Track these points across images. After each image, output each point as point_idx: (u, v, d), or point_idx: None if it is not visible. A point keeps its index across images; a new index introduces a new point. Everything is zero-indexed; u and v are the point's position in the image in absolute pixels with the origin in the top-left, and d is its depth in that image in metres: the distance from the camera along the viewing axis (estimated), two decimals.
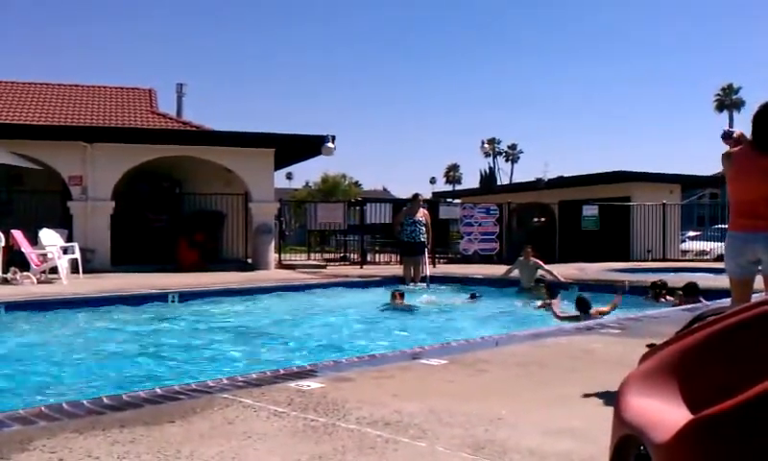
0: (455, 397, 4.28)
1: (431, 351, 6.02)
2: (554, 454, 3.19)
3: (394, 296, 11.66)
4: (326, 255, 25.96)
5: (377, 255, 24.11)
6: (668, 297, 11.56)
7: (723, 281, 11.73)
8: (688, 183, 29.46)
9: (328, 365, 5.45)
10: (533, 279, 13.48)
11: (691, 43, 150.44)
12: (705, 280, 12.24)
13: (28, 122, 20.43)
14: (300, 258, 23.35)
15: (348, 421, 3.68)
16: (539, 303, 11.57)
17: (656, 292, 11.83)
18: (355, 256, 22.99)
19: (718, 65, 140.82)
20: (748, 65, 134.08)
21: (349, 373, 5.00)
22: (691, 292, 10.55)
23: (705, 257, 24.82)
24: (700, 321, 2.31)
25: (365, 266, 20.29)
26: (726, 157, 4.95)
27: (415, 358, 5.69)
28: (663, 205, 24.69)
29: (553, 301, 11.26)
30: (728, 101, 78.42)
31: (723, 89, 78.87)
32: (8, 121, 20.15)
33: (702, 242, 28.01)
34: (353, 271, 18.27)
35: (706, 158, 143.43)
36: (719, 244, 25.93)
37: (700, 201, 38.05)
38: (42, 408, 3.93)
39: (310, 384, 4.52)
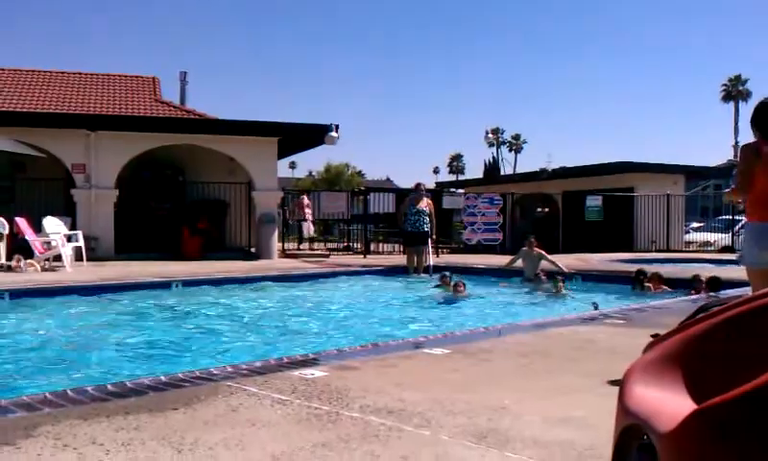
0: (458, 386, 4.29)
1: (434, 341, 6.03)
2: (556, 443, 3.20)
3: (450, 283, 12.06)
4: (330, 245, 25.98)
5: (381, 245, 24.11)
6: (654, 286, 11.71)
7: (728, 272, 11.76)
8: (692, 174, 29.40)
9: (332, 354, 5.46)
10: (536, 270, 13.48)
11: (698, 34, 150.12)
12: (709, 271, 12.24)
13: (31, 110, 20.43)
14: (303, 248, 23.36)
15: (351, 409, 3.69)
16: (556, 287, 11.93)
17: (639, 280, 11.92)
18: (359, 246, 22.99)
19: (725, 56, 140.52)
20: (756, 56, 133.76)
21: (353, 361, 5.01)
22: (714, 285, 10.54)
23: (709, 248, 24.80)
24: (704, 311, 2.31)
25: (368, 256, 20.29)
26: (752, 150, 4.82)
27: (418, 347, 5.69)
28: (667, 195, 24.64)
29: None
30: (734, 91, 78.13)
31: (730, 80, 78.57)
32: (11, 109, 20.16)
33: (706, 233, 27.98)
34: (357, 260, 18.28)
35: (711, 149, 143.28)
36: (723, 235, 25.94)
37: (704, 192, 38.00)
38: (47, 395, 3.94)
39: (314, 372, 4.54)
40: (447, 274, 12.72)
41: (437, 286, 12.50)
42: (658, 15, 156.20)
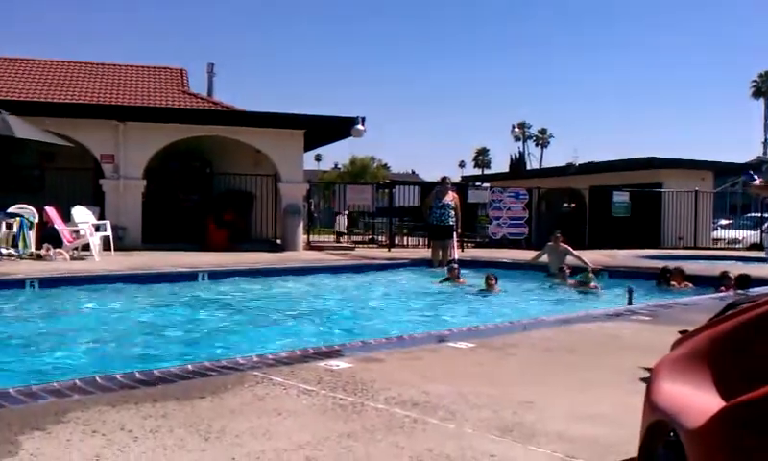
0: (483, 380, 4.29)
1: (459, 334, 6.02)
2: (582, 438, 3.19)
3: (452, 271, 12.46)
4: (355, 238, 26.03)
5: (405, 238, 24.12)
6: (677, 282, 11.63)
7: (757, 270, 11.63)
8: (721, 171, 29.06)
9: (356, 345, 5.49)
10: (561, 265, 13.42)
11: (728, 28, 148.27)
12: (737, 269, 12.12)
13: (61, 100, 20.63)
14: (328, 240, 23.42)
15: (376, 400, 3.70)
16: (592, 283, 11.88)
17: (666, 278, 11.84)
18: (383, 239, 23.01)
19: (756, 51, 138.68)
20: None
21: (378, 353, 5.03)
22: (743, 283, 10.45)
23: (737, 246, 24.52)
24: (733, 308, 2.29)
25: (393, 249, 20.31)
26: None
27: (442, 341, 5.70)
28: (695, 192, 24.40)
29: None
30: (765, 88, 77.17)
31: (760, 76, 77.59)
32: (41, 99, 20.38)
33: (734, 230, 27.67)
34: (381, 253, 18.31)
35: (739, 146, 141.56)
36: (751, 233, 25.65)
37: (733, 188, 37.55)
38: (76, 381, 3.99)
39: (339, 364, 4.56)
40: (456, 266, 12.62)
41: (445, 279, 12.41)
42: (687, 11, 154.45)
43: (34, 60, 24.53)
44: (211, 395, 3.72)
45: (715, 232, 27.31)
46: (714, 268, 12.90)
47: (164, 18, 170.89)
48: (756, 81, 78.24)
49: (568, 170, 29.09)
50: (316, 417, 3.40)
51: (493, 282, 11.35)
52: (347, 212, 25.10)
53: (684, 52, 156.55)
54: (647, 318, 6.99)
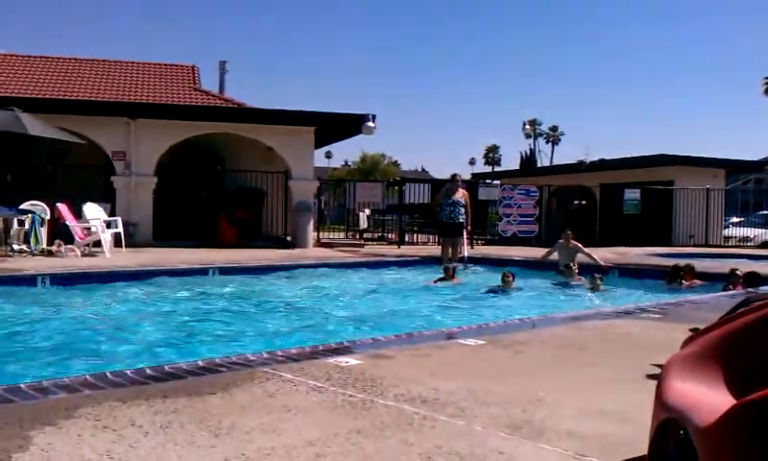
0: (492, 377, 4.29)
1: (468, 332, 6.02)
2: (591, 436, 3.18)
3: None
4: (365, 235, 26.03)
5: (415, 236, 24.11)
6: (688, 280, 11.58)
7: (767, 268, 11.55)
8: (733, 168, 28.92)
9: (366, 342, 5.48)
10: (569, 261, 13.37)
11: (740, 26, 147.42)
12: (747, 266, 12.05)
13: (73, 97, 20.70)
14: (338, 237, 23.44)
15: (385, 397, 3.70)
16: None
17: (678, 275, 11.77)
18: (393, 236, 23.00)
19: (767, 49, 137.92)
20: None
21: (387, 350, 5.03)
22: (752, 280, 10.39)
23: (748, 244, 24.40)
24: (745, 306, 2.28)
25: (402, 246, 20.30)
26: None
27: (451, 338, 5.69)
28: (707, 189, 24.28)
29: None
30: None
31: None
32: (53, 96, 20.46)
33: (745, 228, 27.54)
34: (391, 251, 18.31)
35: (751, 143, 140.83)
36: (763, 231, 25.53)
37: (744, 186, 37.37)
38: (87, 377, 4.01)
39: (348, 360, 4.56)
40: (450, 266, 12.62)
41: (441, 279, 12.35)
42: (699, 6, 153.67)
43: (45, 58, 24.62)
44: (221, 391, 3.73)
45: (726, 230, 27.19)
46: (724, 266, 12.84)
47: (165, 17, 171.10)
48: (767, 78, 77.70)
49: (579, 167, 29.02)
50: (325, 413, 3.40)
51: (510, 279, 11.32)
52: (368, 211, 25.08)
53: (697, 49, 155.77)
54: (657, 316, 6.96)
